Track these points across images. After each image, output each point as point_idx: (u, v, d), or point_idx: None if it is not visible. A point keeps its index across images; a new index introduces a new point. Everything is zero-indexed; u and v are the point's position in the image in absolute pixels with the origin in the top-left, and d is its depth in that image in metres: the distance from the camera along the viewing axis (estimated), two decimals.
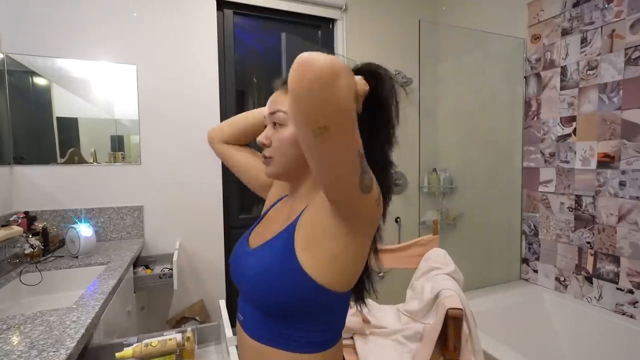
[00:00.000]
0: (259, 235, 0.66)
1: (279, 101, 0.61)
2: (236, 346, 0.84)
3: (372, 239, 0.57)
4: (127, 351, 0.84)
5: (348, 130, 0.43)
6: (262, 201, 0.80)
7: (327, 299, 0.55)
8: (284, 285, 0.53)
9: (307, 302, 0.54)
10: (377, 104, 0.53)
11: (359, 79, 0.51)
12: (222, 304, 1.06)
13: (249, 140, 0.82)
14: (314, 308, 0.55)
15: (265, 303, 0.56)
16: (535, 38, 1.91)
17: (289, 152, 0.60)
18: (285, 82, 0.59)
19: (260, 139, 0.63)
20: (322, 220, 0.53)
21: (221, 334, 0.93)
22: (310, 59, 0.39)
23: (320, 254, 0.53)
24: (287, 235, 0.56)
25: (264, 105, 0.67)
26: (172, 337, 0.90)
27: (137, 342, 0.90)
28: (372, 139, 0.53)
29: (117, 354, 0.83)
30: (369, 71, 0.54)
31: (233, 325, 0.95)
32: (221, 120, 1.96)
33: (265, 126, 0.65)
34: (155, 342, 0.88)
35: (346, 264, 0.54)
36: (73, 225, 1.44)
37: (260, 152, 0.66)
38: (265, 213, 0.74)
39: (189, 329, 0.98)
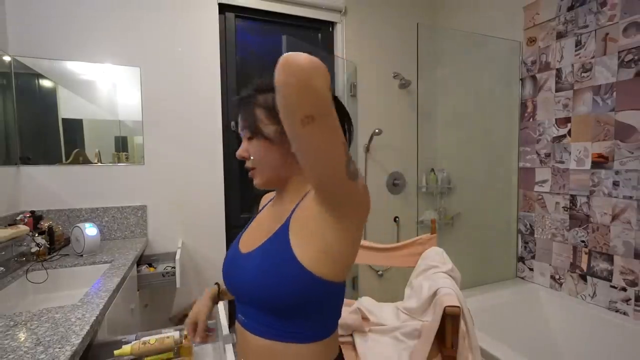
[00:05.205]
0: (250, 240, 0.67)
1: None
2: (233, 344, 0.85)
3: (363, 226, 0.58)
4: (125, 349, 0.83)
5: (331, 119, 0.45)
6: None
7: (325, 289, 0.57)
8: (285, 282, 0.55)
9: (307, 295, 0.56)
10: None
11: None
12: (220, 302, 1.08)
13: None
14: (313, 300, 0.57)
15: (267, 302, 0.58)
16: (531, 41, 1.94)
17: (268, 159, 0.63)
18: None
19: (240, 153, 0.66)
20: (313, 213, 0.55)
21: (218, 331, 0.95)
22: (294, 55, 0.43)
23: (314, 246, 0.55)
24: (282, 233, 0.58)
25: None
26: (170, 335, 0.89)
27: (136, 339, 0.90)
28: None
29: (116, 352, 0.83)
30: None
31: (232, 323, 0.97)
32: (223, 122, 1.99)
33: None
34: (153, 339, 0.87)
35: (339, 252, 0.55)
36: (78, 225, 1.46)
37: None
38: (253, 219, 0.75)
39: None
